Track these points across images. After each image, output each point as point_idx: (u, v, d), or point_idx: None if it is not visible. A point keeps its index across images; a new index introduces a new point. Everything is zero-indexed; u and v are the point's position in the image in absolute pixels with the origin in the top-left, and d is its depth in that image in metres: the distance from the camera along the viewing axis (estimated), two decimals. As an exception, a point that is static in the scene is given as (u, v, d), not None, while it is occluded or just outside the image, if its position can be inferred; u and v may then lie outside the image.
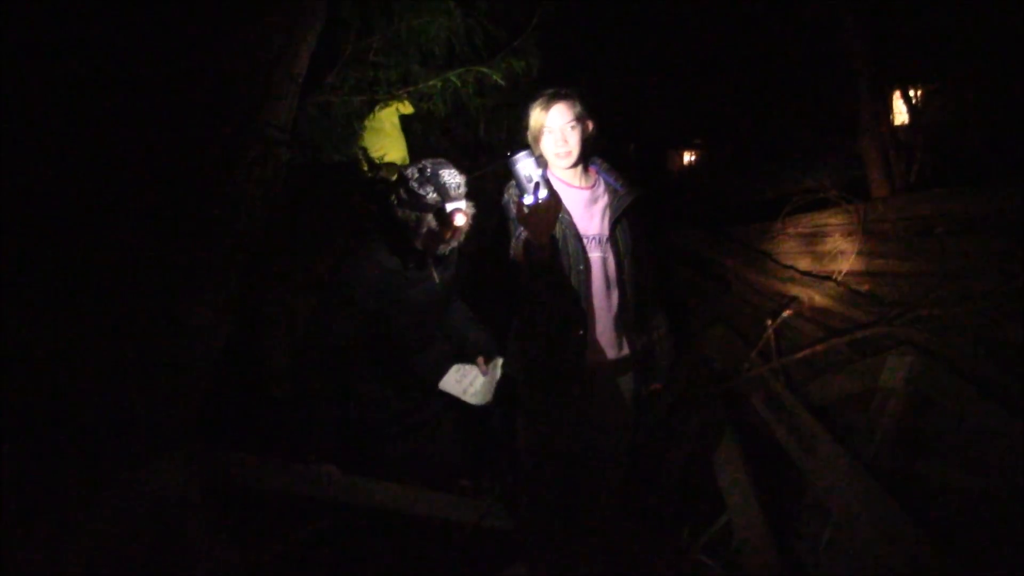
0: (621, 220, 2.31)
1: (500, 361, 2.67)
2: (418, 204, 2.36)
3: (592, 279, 2.28)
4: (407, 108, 2.93)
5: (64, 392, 1.70)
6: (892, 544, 2.18)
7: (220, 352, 2.04)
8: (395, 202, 2.39)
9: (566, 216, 2.24)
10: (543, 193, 1.89)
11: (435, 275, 2.56)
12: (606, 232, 2.29)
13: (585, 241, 2.27)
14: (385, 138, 2.87)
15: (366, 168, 2.76)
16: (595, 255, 2.29)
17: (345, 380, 2.50)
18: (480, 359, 2.75)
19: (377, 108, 2.81)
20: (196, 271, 1.91)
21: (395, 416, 2.68)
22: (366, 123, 2.87)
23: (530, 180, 1.89)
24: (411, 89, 2.78)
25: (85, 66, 1.72)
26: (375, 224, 2.56)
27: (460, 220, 2.41)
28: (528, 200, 1.90)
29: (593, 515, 2.54)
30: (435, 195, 2.36)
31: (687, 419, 3.31)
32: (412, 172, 2.40)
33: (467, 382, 2.72)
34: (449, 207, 2.37)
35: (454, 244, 2.51)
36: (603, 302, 2.32)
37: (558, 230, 2.22)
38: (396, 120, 2.96)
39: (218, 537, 2.02)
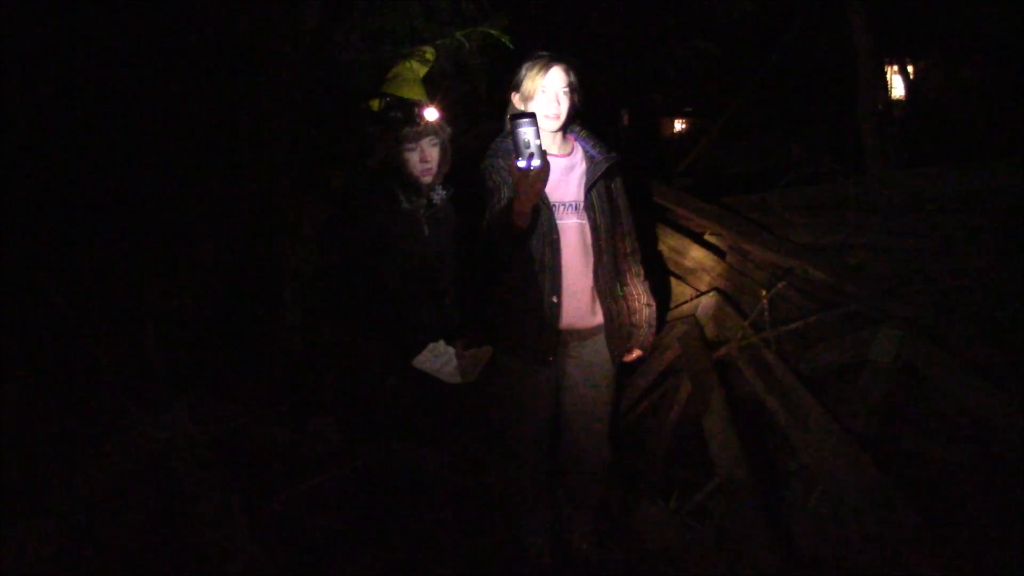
0: (596, 186, 2.31)
1: (488, 349, 2.60)
2: (389, 124, 2.47)
3: (565, 247, 2.28)
4: (424, 66, 2.91)
5: (78, 335, 1.70)
6: (877, 512, 2.24)
7: (220, 301, 2.04)
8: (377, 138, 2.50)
9: None
10: (536, 162, 1.89)
11: (424, 228, 2.56)
12: (582, 199, 2.30)
13: (561, 209, 2.28)
14: (405, 85, 2.85)
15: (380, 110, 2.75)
16: (571, 222, 2.29)
17: (350, 332, 2.52)
18: (459, 343, 2.70)
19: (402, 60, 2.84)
20: (202, 224, 1.90)
21: (383, 373, 2.68)
22: (391, 72, 2.87)
23: (528, 146, 1.88)
24: (417, 47, 2.76)
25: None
26: (371, 170, 2.58)
27: (431, 114, 2.48)
28: (522, 164, 1.89)
29: (578, 478, 2.56)
30: (399, 113, 2.50)
31: (678, 385, 3.35)
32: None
33: (442, 361, 2.66)
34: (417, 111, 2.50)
35: (433, 168, 2.53)
36: (578, 269, 2.31)
37: None
38: (419, 72, 2.94)
39: (221, 485, 2.04)
